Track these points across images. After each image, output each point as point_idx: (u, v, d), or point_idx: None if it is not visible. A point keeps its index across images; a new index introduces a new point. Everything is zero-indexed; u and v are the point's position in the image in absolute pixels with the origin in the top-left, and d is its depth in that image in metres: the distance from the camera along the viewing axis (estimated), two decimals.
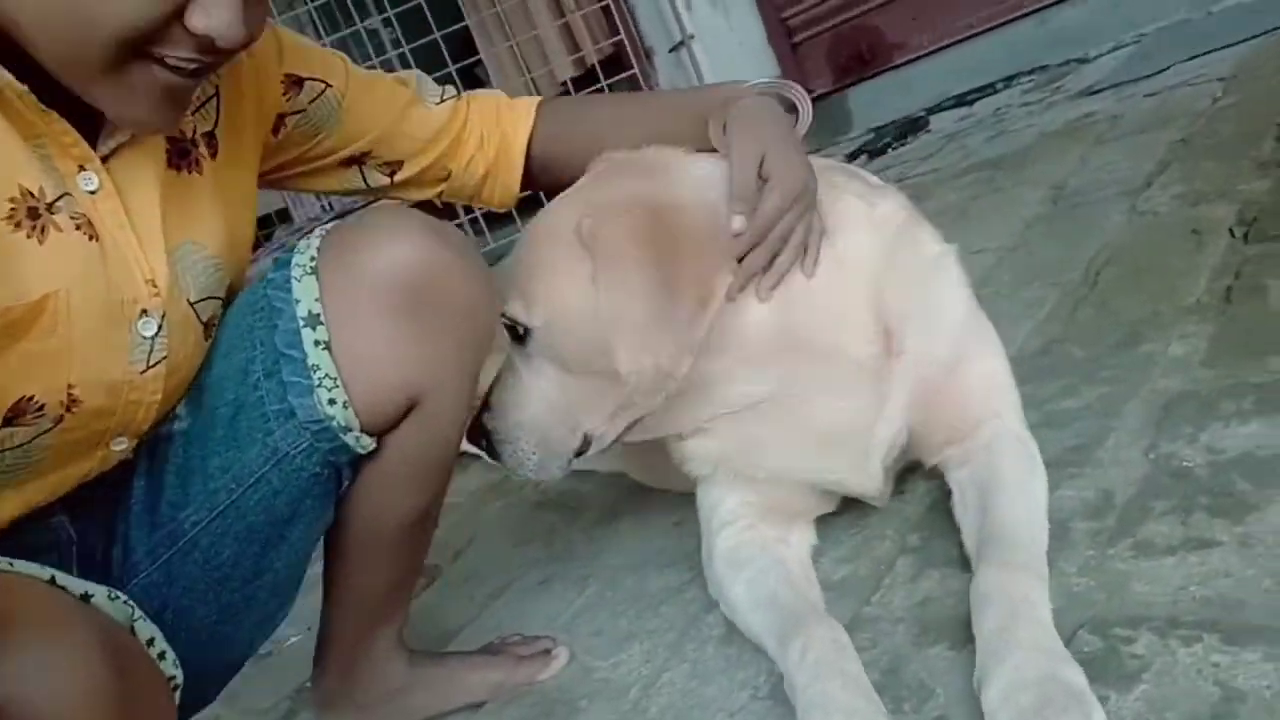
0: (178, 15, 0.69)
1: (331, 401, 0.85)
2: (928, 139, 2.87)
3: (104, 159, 0.78)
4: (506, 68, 3.71)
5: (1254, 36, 2.28)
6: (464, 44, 3.65)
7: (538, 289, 0.94)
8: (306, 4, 3.54)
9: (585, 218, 0.91)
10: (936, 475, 1.04)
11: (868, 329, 0.95)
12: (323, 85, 1.00)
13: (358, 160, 1.04)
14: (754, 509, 1.02)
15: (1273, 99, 1.85)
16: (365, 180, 1.06)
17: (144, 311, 0.79)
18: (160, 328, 0.81)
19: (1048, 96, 2.67)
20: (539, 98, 1.13)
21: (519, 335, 0.97)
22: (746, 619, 0.95)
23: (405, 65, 3.53)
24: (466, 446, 1.01)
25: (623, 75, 3.45)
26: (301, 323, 0.85)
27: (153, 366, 0.81)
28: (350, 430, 0.86)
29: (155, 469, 0.89)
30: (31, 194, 0.72)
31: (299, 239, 0.93)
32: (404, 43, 3.43)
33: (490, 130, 1.09)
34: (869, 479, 1.01)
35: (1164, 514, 0.88)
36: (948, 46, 3.00)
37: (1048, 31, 2.89)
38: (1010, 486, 0.92)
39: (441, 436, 0.94)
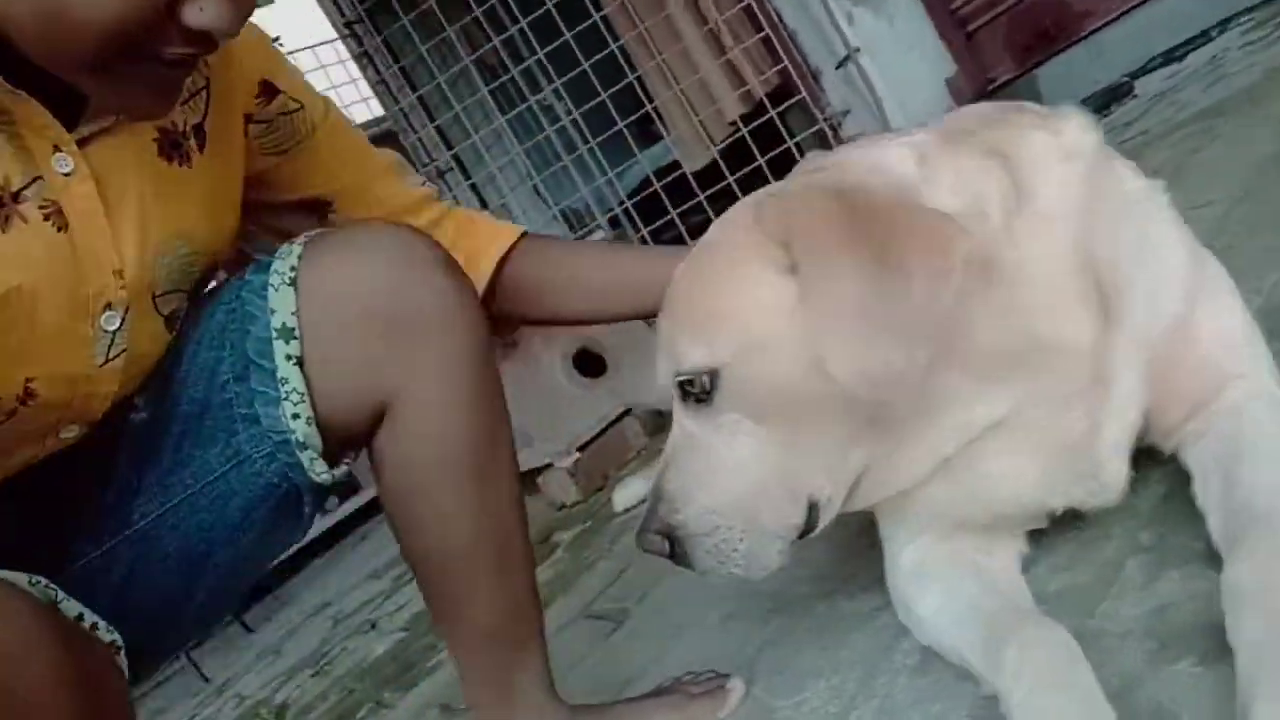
0: (169, 11, 0.68)
1: (295, 416, 0.84)
2: (1134, 104, 2.57)
3: (85, 141, 0.77)
4: (674, 115, 3.72)
5: None
6: (634, 99, 3.69)
7: (718, 314, 0.77)
8: (483, 90, 3.72)
9: (768, 208, 0.77)
10: (1172, 459, 0.86)
11: (1088, 299, 0.77)
12: (296, 105, 0.97)
13: (319, 208, 1.00)
14: (949, 519, 0.87)
15: None
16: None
17: (108, 305, 0.78)
18: (122, 322, 0.79)
19: (1272, 33, 2.33)
20: (523, 228, 1.08)
21: (699, 395, 0.78)
22: (942, 637, 0.80)
23: (581, 133, 3.67)
24: None
25: (792, 101, 3.36)
26: (275, 334, 0.84)
27: (111, 360, 0.80)
28: (308, 448, 0.85)
29: (109, 457, 0.88)
30: None
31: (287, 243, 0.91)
32: (574, 108, 3.52)
33: (465, 233, 1.04)
34: (1109, 488, 0.82)
35: None
36: (1145, 2, 2.70)
37: None
38: (1264, 456, 0.73)
39: (434, 448, 0.89)
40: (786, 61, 3.35)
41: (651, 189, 3.44)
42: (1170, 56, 2.65)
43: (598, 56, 3.41)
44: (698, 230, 3.35)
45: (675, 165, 3.59)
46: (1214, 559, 0.74)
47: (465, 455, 0.89)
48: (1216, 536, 0.74)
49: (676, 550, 0.80)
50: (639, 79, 3.63)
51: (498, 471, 0.92)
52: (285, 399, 0.84)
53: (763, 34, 3.36)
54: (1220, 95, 2.10)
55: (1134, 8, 2.72)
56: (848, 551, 1.16)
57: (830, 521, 0.81)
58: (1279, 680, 0.54)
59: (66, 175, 0.76)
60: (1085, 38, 2.81)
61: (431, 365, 0.87)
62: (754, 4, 3.32)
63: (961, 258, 0.70)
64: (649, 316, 0.95)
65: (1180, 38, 2.66)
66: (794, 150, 3.35)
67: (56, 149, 0.75)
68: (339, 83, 4.93)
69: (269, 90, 0.95)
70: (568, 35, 3.31)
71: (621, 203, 3.58)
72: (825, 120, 3.36)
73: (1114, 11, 2.72)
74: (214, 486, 0.87)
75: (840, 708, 0.87)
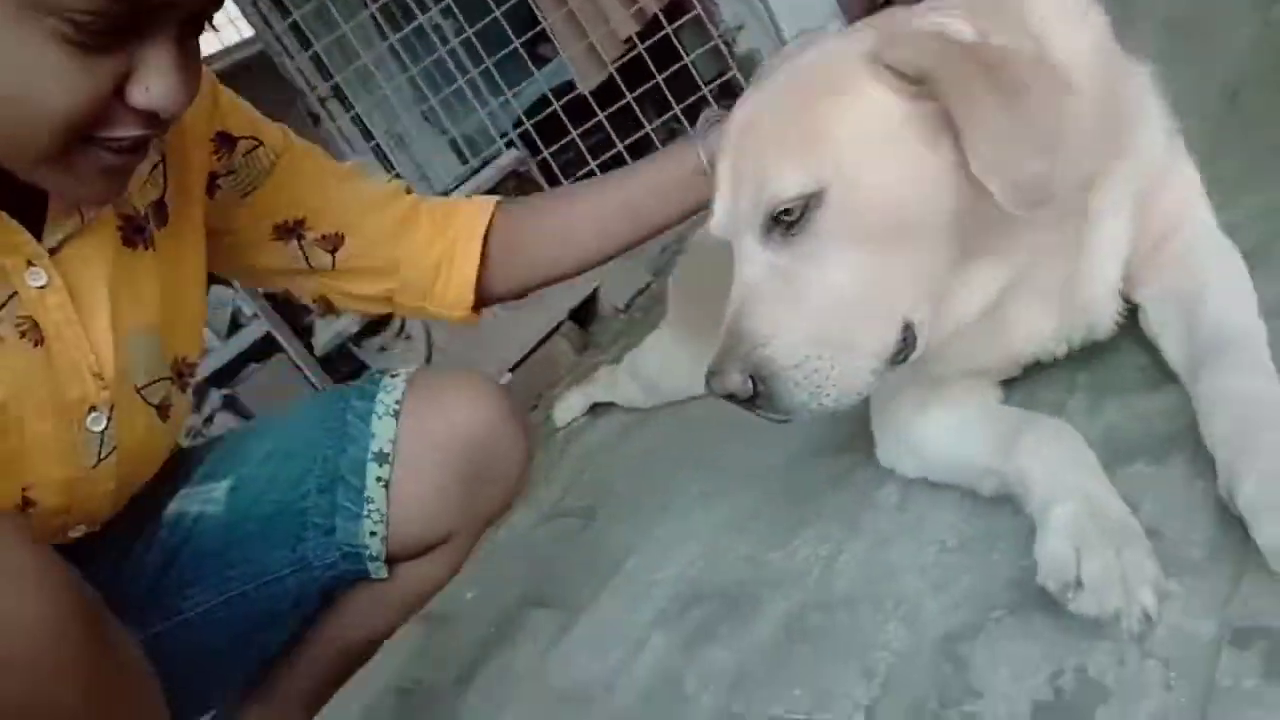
0: (117, 94, 0.67)
1: (373, 534, 0.95)
2: None
3: (55, 249, 0.77)
4: (567, 35, 3.70)
5: None
6: (525, 19, 3.65)
7: (825, 136, 0.77)
8: (368, 7, 3.60)
9: (887, 43, 0.78)
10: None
11: (1106, 134, 0.84)
12: (254, 143, 0.96)
13: (294, 231, 0.97)
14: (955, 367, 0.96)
15: None
16: (306, 258, 0.98)
17: (92, 407, 0.80)
18: (109, 420, 0.81)
19: None
20: (495, 199, 1.04)
21: (790, 224, 0.78)
22: (944, 452, 0.91)
23: (471, 53, 3.62)
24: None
25: (687, 17, 3.39)
26: (371, 456, 0.94)
27: (104, 459, 0.82)
28: (376, 560, 0.97)
29: (172, 544, 0.94)
30: None
31: (387, 374, 1.01)
32: (467, 27, 3.47)
33: (445, 217, 1.01)
34: (1104, 324, 0.92)
35: None
36: None
37: None
38: (1218, 286, 0.86)
39: (441, 577, 1.05)
40: None
41: (548, 109, 3.44)
42: None
43: None
44: (598, 149, 3.39)
45: (571, 85, 3.60)
46: (1148, 386, 0.87)
47: (445, 581, 1.07)
48: (1178, 362, 0.85)
49: (759, 390, 0.78)
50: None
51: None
52: (367, 516, 0.94)
53: None
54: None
55: None
56: (811, 425, 1.27)
57: (923, 349, 0.82)
58: (1256, 460, 0.65)
59: (40, 288, 0.76)
60: None
61: (484, 511, 1.02)
62: None
63: (1065, 81, 0.76)
64: (648, 239, 1.03)
65: None
66: (691, 68, 3.41)
67: (30, 263, 0.76)
68: None
69: (226, 141, 0.94)
70: None
71: (518, 124, 3.57)
72: (719, 36, 3.41)
73: None
74: (270, 586, 0.96)
75: (830, 550, 0.97)
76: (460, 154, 3.97)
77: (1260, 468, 0.65)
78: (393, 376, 1.00)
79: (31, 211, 0.76)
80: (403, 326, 2.43)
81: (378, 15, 3.68)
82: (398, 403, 0.96)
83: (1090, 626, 0.68)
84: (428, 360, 2.37)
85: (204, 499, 0.95)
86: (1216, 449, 0.71)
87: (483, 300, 1.04)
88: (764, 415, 0.80)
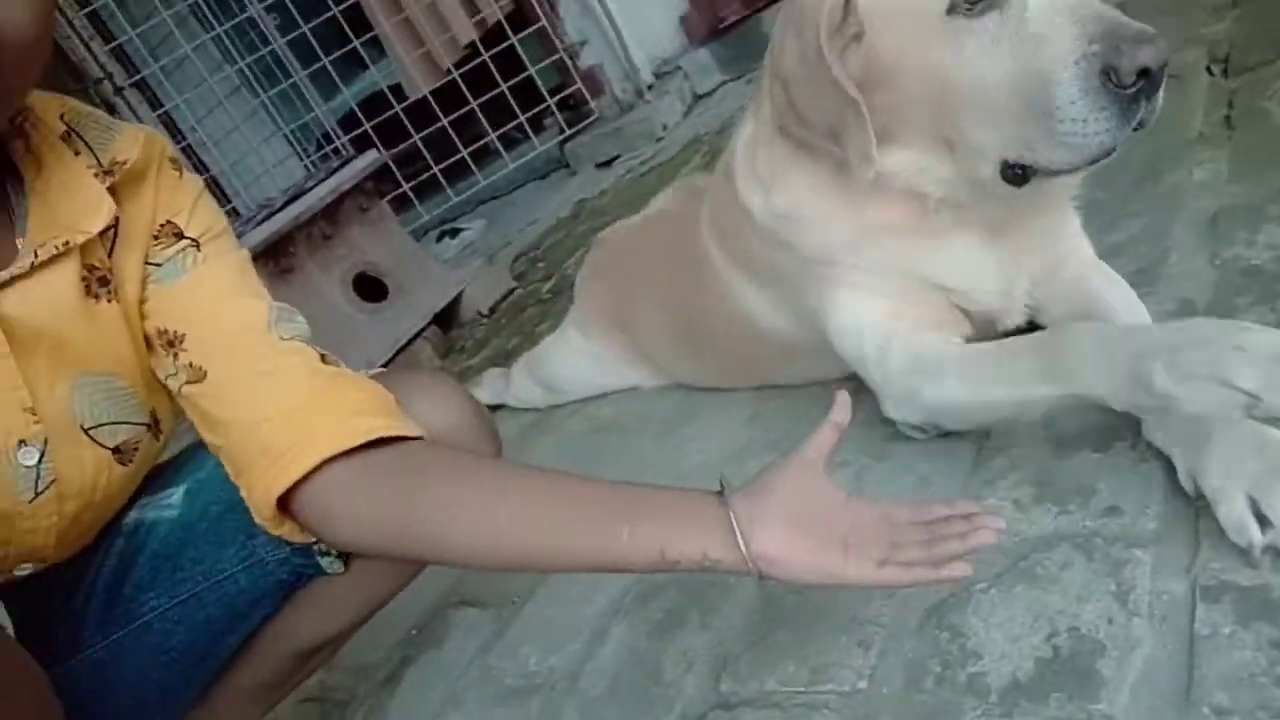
0: None
1: None
2: None
3: (3, 286, 0.76)
4: (404, 41, 3.62)
5: None
6: (355, 24, 3.55)
7: None
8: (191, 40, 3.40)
9: None
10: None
11: None
12: (194, 244, 0.87)
13: (173, 344, 0.85)
14: (906, 323, 1.04)
15: None
16: (171, 376, 0.86)
17: (21, 441, 0.78)
18: (43, 455, 0.79)
19: None
20: (414, 430, 0.83)
21: None
22: (968, 387, 0.95)
23: (298, 52, 3.47)
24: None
25: (530, 29, 3.42)
26: None
27: (41, 494, 0.79)
28: (328, 555, 0.93)
29: (129, 552, 0.92)
30: None
31: None
32: (294, 28, 3.33)
33: (312, 415, 0.81)
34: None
35: (1250, 306, 0.96)
36: None
37: None
38: (1109, 300, 1.00)
39: (403, 575, 1.02)
40: None
41: (387, 111, 3.37)
42: None
43: None
44: (442, 155, 3.34)
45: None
46: None
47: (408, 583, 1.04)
48: None
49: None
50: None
51: None
52: None
53: None
54: None
55: None
56: (734, 426, 1.33)
57: None
58: (1212, 453, 0.77)
59: None
60: None
61: None
62: None
63: None
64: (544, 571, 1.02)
65: None
66: (535, 77, 3.43)
67: None
68: None
69: (174, 233, 0.87)
70: None
71: (348, 119, 3.47)
72: (564, 49, 3.46)
73: None
74: (224, 585, 0.91)
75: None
76: (296, 150, 3.81)
77: (1218, 456, 0.77)
78: (357, 373, 0.96)
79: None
80: None
81: (199, 5, 3.48)
82: None
83: (1074, 590, 0.78)
84: None
85: (160, 505, 0.92)
86: (1171, 447, 0.83)
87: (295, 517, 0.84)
88: (1135, 117, 0.83)
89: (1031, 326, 1.08)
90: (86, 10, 3.45)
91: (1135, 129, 0.84)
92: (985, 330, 1.08)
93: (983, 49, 0.88)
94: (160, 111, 3.55)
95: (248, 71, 3.61)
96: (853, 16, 0.93)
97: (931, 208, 1.00)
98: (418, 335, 2.36)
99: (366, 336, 2.29)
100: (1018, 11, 0.86)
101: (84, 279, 0.81)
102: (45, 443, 0.78)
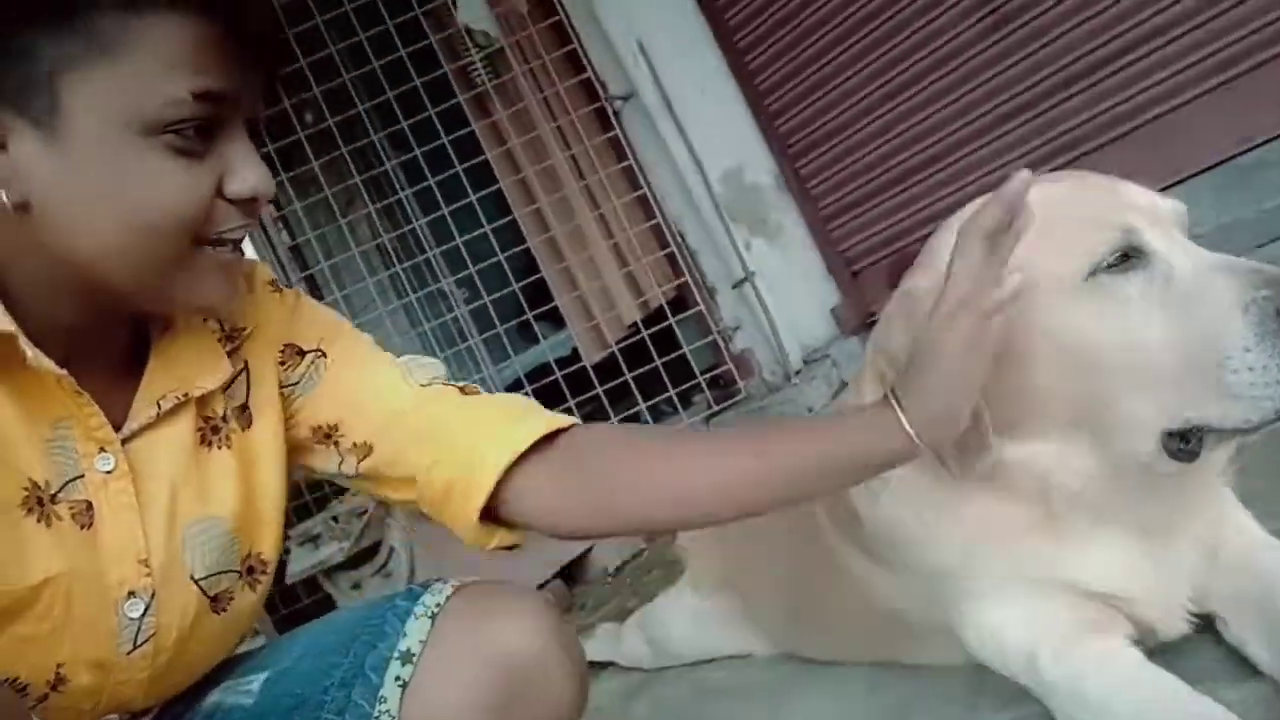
0: (218, 194, 0.75)
1: None
2: None
3: (129, 438, 0.82)
4: (574, 314, 3.91)
5: None
6: (532, 295, 3.88)
7: None
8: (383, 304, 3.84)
9: None
10: None
11: None
12: (319, 354, 0.96)
13: (329, 435, 0.96)
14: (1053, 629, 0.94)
15: None
16: (341, 464, 0.96)
17: (131, 593, 0.81)
18: (148, 608, 0.82)
19: None
20: (567, 420, 0.93)
21: None
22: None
23: (480, 321, 3.80)
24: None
25: (689, 313, 3.63)
26: (396, 655, 0.88)
27: (140, 646, 0.82)
28: None
29: None
30: (38, 485, 0.77)
31: (441, 580, 0.95)
32: (477, 295, 3.67)
33: (474, 440, 0.90)
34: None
35: None
36: None
37: None
38: None
39: None
40: (687, 276, 3.65)
41: (548, 377, 3.58)
42: None
43: (508, 253, 3.62)
44: (591, 418, 3.47)
45: (567, 359, 3.77)
46: (1232, 678, 0.88)
47: None
48: (1266, 662, 0.88)
49: None
50: (549, 276, 3.84)
51: None
52: (377, 716, 0.87)
53: (668, 250, 3.67)
54: None
55: None
56: (849, 701, 1.22)
57: None
58: None
59: (107, 473, 0.81)
60: None
61: None
62: (662, 224, 3.65)
63: None
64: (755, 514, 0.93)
65: None
66: (689, 357, 3.60)
67: (101, 449, 0.81)
68: None
69: (296, 353, 0.97)
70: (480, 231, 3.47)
71: (515, 386, 3.69)
72: (718, 332, 3.64)
73: None
74: None
75: None
76: None
77: None
78: (444, 582, 0.96)
79: (114, 396, 0.81)
80: (386, 563, 2.36)
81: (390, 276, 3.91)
82: (439, 605, 0.91)
83: None
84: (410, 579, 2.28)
85: (240, 690, 0.92)
86: None
87: (508, 525, 0.94)
88: None
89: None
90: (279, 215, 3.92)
91: None
92: (1144, 636, 0.96)
93: (1133, 309, 0.83)
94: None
95: (430, 336, 3.95)
96: None
97: (1062, 506, 0.92)
98: (542, 585, 2.35)
99: (492, 578, 2.30)
100: (1165, 269, 0.83)
101: (199, 429, 0.86)
102: (153, 595, 0.81)
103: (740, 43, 3.49)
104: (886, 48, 3.17)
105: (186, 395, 0.85)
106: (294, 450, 0.99)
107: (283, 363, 0.95)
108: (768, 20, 3.40)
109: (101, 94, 0.68)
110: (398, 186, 3.87)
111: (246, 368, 0.93)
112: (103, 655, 0.79)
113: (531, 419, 0.91)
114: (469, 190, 3.60)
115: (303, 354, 0.96)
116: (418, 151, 3.61)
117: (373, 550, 2.29)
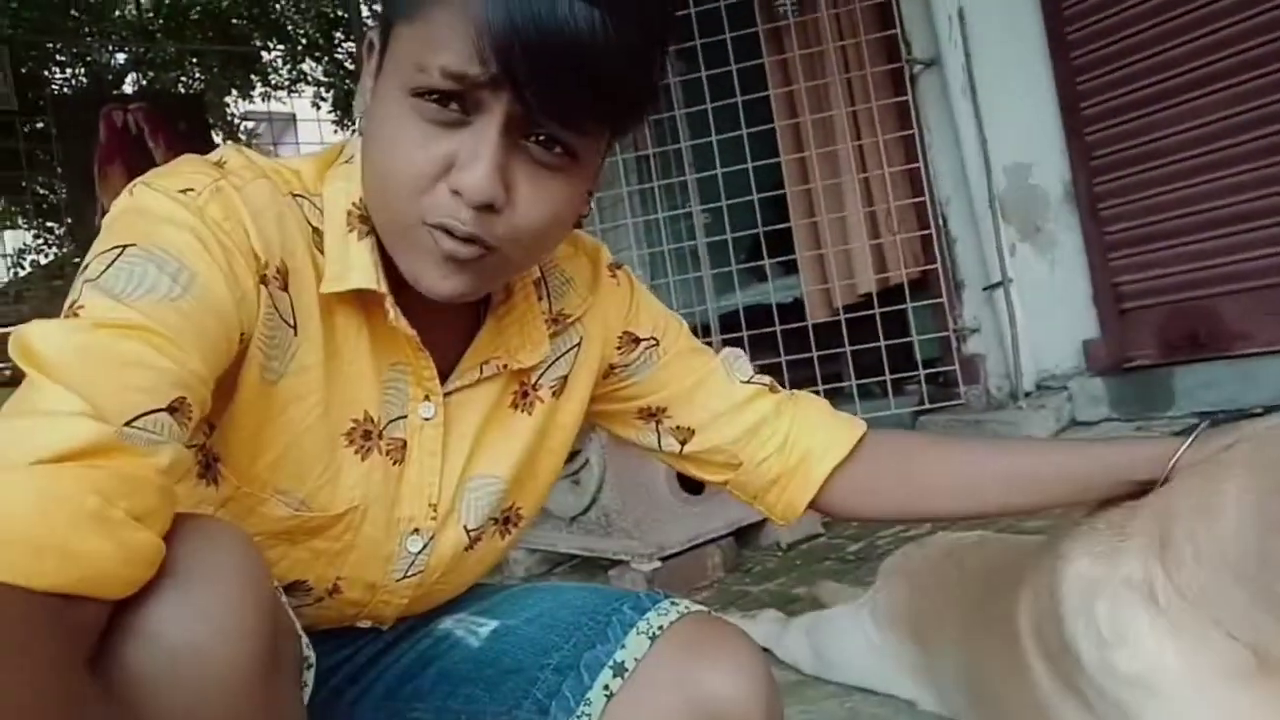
0: (444, 171, 0.73)
1: None
2: None
3: (451, 392, 0.87)
4: (808, 272, 3.84)
5: None
6: (779, 241, 3.83)
7: None
8: (629, 215, 3.87)
9: None
10: None
11: None
12: (652, 342, 1.02)
13: (654, 415, 1.04)
14: None
15: None
16: (659, 441, 1.05)
17: (415, 530, 0.87)
18: (425, 545, 0.88)
19: None
20: (863, 427, 1.04)
21: None
22: None
23: (714, 255, 3.79)
24: None
25: (928, 301, 3.47)
26: (610, 663, 0.89)
27: (409, 576, 0.89)
28: None
29: (428, 656, 0.96)
30: (371, 419, 0.82)
31: (671, 598, 0.95)
32: (721, 232, 3.64)
33: (799, 437, 1.02)
34: None
35: None
36: None
37: None
38: None
39: None
40: (938, 263, 3.48)
41: (761, 320, 3.55)
42: None
43: (762, 194, 3.57)
44: (798, 379, 3.43)
45: (793, 308, 3.72)
46: None
47: None
48: None
49: None
50: (795, 227, 3.78)
51: None
52: (579, 716, 0.89)
53: (925, 231, 3.51)
54: None
55: None
56: None
57: None
58: None
59: (425, 419, 0.87)
60: (1234, 357, 2.92)
61: None
62: (928, 203, 3.48)
63: None
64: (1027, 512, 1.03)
65: None
66: (915, 344, 3.46)
67: (427, 398, 0.86)
68: None
69: (632, 340, 1.02)
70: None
71: (717, 324, 3.70)
72: (955, 330, 3.47)
73: (1273, 345, 2.84)
74: None
75: None
76: None
77: None
78: (674, 604, 0.96)
79: (443, 351, 0.86)
80: (578, 471, 2.44)
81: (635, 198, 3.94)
82: (661, 628, 0.92)
83: None
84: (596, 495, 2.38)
85: (473, 626, 0.98)
86: None
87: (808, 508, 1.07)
88: None
89: None
90: None
91: None
92: None
93: None
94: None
95: (665, 257, 3.99)
96: None
97: None
98: (715, 540, 2.38)
99: (669, 521, 2.35)
100: None
101: (513, 393, 0.92)
102: (432, 536, 0.88)
103: (1070, 35, 3.20)
104: (1229, 81, 2.83)
105: (506, 366, 0.90)
106: (605, 417, 1.07)
107: (619, 348, 1.02)
108: (1105, 18, 3.10)
109: (402, 45, 0.73)
110: (674, 103, 3.85)
111: (580, 344, 0.98)
112: (376, 578, 0.88)
113: (845, 422, 1.04)
114: (742, 123, 3.56)
115: (638, 341, 1.02)
116: (703, 73, 3.58)
117: (571, 456, 2.37)
